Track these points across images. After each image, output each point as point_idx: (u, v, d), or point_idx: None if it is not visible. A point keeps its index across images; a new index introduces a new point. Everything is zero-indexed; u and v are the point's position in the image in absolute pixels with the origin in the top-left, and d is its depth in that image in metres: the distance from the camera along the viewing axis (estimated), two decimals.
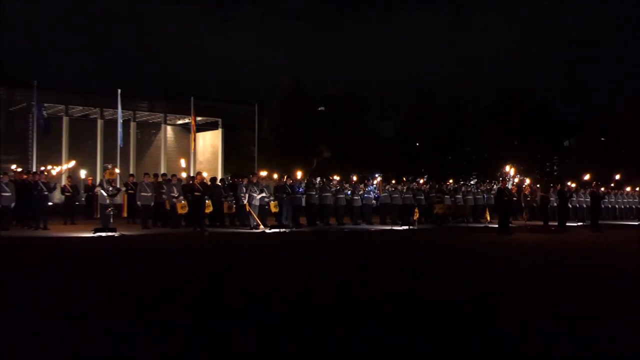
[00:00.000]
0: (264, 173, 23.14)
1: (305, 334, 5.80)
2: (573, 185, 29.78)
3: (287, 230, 19.77)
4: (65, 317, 6.43)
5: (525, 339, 5.77)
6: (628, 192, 33.57)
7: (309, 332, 5.88)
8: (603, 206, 28.10)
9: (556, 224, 23.34)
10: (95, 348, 5.26)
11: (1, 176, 18.81)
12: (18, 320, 6.25)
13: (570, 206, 26.97)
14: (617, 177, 33.39)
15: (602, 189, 27.73)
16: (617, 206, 32.25)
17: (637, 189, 34.21)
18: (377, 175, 32.79)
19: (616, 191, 32.80)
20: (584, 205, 28.94)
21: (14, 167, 23.48)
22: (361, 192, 24.07)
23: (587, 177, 30.07)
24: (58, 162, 28.73)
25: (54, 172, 21.91)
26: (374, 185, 25.09)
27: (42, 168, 22.60)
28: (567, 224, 23.79)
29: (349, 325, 6.17)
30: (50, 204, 20.32)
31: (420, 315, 6.81)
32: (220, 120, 38.27)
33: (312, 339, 5.62)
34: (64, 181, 23.34)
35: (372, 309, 7.09)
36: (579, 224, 26.70)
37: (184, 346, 5.27)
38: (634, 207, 33.04)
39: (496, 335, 5.93)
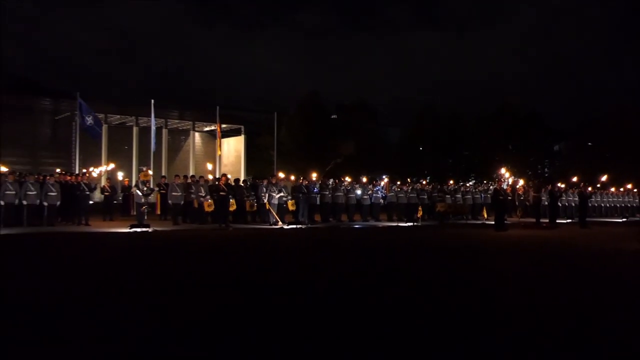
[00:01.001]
0: (282, 175, 23.13)
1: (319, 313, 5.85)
2: (562, 185, 29.54)
3: (303, 227, 19.79)
4: (104, 300, 6.51)
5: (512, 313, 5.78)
6: (613, 192, 33.34)
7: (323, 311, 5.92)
8: (590, 205, 27.94)
9: (547, 221, 23.20)
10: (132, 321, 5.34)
11: (48, 178, 19.01)
12: (61, 302, 6.34)
13: (560, 205, 26.80)
14: (603, 178, 33.16)
15: (589, 189, 27.51)
16: (602, 205, 32.02)
17: (621, 189, 33.97)
18: (384, 177, 32.60)
19: (602, 191, 32.56)
20: (573, 204, 28.78)
21: (58, 170, 23.64)
22: (370, 192, 24.05)
23: (575, 178, 29.89)
24: (98, 165, 28.89)
25: (94, 174, 22.03)
26: (382, 186, 25.02)
27: (84, 170, 22.73)
28: (557, 221, 23.64)
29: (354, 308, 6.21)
30: (91, 202, 20.51)
31: (421, 298, 6.82)
32: (242, 127, 38.36)
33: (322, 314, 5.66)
34: (103, 182, 23.48)
35: (377, 292, 7.11)
36: (568, 221, 26.50)
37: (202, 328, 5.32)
38: (618, 205, 32.80)
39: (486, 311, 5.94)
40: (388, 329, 5.44)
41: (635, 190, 34.53)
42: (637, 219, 31.20)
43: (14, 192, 17.58)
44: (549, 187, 26.88)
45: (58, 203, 18.43)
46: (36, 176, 19.27)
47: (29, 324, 5.45)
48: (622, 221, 28.50)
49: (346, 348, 4.81)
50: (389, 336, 5.19)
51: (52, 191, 18.24)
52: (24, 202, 17.72)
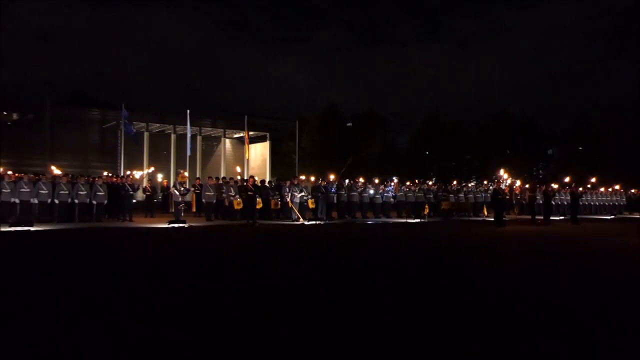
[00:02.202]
0: (303, 176, 23.18)
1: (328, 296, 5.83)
2: (556, 186, 29.26)
3: (322, 223, 19.78)
4: (144, 287, 6.58)
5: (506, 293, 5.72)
6: (602, 191, 32.92)
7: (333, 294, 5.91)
8: (581, 203, 27.61)
9: (542, 218, 22.96)
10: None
11: (96, 179, 19.25)
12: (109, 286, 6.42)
13: (553, 203, 26.48)
14: (593, 179, 32.80)
15: (580, 189, 27.22)
16: (592, 203, 31.58)
17: (610, 189, 33.53)
18: (394, 178, 32.54)
19: (592, 191, 32.19)
20: (565, 203, 28.39)
21: (106, 172, 23.91)
22: (381, 191, 23.98)
23: (567, 179, 29.56)
24: (140, 168, 29.20)
25: (137, 176, 22.26)
26: (392, 186, 24.94)
27: (128, 173, 22.97)
28: (551, 218, 23.40)
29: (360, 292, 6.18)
30: (134, 201, 20.68)
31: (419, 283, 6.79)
32: (268, 134, 38.43)
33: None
34: (145, 183, 23.71)
35: (383, 280, 7.08)
36: (561, 218, 26.21)
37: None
38: (607, 204, 32.34)
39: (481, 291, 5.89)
40: (406, 313, 5.43)
41: (622, 190, 34.09)
42: (624, 216, 30.81)
43: (67, 192, 17.84)
44: (543, 187, 26.60)
45: (105, 202, 18.63)
46: (86, 178, 19.51)
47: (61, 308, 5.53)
48: (610, 218, 28.15)
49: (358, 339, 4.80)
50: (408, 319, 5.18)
51: (100, 191, 18.44)
52: (76, 201, 17.94)
